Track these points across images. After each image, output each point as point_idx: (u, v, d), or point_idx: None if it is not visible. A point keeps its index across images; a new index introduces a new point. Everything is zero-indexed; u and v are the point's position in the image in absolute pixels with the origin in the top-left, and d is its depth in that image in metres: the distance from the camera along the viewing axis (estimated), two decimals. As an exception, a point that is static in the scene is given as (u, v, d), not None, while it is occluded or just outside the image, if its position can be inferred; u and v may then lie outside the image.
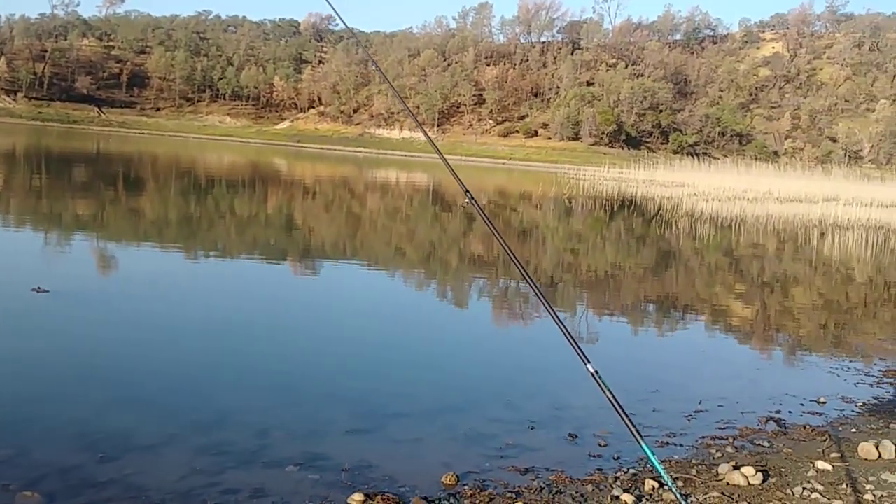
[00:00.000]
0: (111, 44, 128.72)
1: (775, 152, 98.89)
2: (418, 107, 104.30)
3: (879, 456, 5.00)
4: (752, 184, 40.48)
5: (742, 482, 4.46)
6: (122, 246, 13.15)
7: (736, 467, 4.64)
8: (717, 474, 4.62)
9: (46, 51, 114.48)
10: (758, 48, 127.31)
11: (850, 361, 8.16)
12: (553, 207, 30.25)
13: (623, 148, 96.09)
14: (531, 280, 2.98)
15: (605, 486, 4.39)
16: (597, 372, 2.60)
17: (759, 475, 4.54)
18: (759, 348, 9.05)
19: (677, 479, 4.53)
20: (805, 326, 10.59)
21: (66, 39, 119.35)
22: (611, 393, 2.57)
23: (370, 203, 27.82)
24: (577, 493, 4.30)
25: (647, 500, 4.27)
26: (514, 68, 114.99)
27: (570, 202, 32.36)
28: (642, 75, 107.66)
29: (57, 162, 36.53)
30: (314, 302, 9.67)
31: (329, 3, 4.73)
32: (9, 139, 54.54)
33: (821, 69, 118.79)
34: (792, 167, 57.32)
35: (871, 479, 4.63)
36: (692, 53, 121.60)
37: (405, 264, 14.05)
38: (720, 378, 7.29)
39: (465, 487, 4.28)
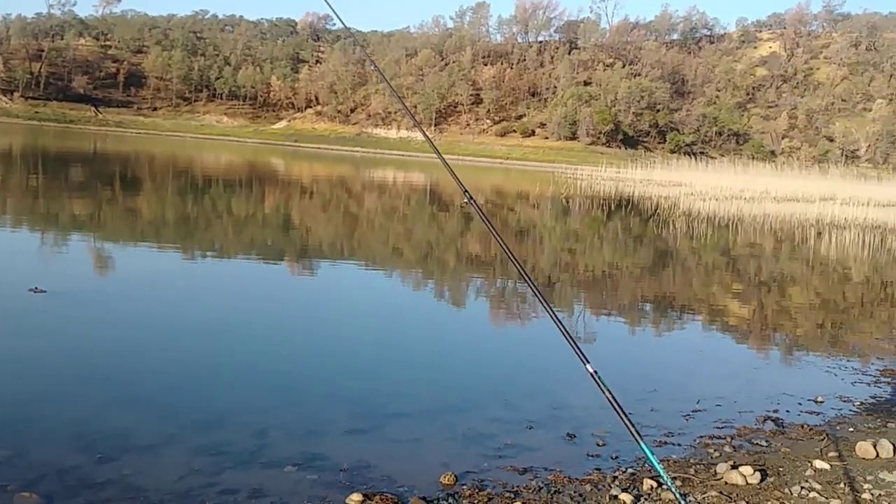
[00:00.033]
0: (108, 43, 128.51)
1: (772, 152, 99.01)
2: (415, 106, 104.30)
3: (877, 455, 5.01)
4: (749, 183, 40.54)
5: (740, 481, 4.47)
6: (119, 246, 13.13)
7: (734, 466, 4.65)
8: (716, 473, 4.63)
9: (43, 50, 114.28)
10: (755, 48, 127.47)
11: (848, 361, 8.17)
12: (550, 207, 30.26)
13: (620, 147, 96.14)
14: (530, 280, 2.98)
15: (604, 486, 4.39)
16: (596, 372, 2.60)
17: (758, 474, 4.55)
18: (756, 348, 9.06)
19: (675, 478, 4.53)
20: (802, 326, 10.61)
21: (62, 39, 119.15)
22: (610, 393, 2.57)
23: (368, 203, 27.81)
24: (575, 492, 4.31)
25: (646, 499, 4.28)
26: (512, 68, 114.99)
27: (568, 202, 32.37)
28: (639, 75, 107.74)
29: (54, 162, 36.47)
30: (312, 302, 9.67)
31: (327, 3, 4.73)
32: (5, 139, 54.42)
33: (818, 69, 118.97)
34: (789, 167, 57.42)
35: (868, 478, 4.64)
36: (689, 53, 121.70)
37: (403, 264, 14.05)
38: (718, 377, 7.30)
39: (464, 487, 4.28)
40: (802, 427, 5.72)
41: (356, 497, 4.02)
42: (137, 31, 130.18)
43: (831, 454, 5.07)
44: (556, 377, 6.82)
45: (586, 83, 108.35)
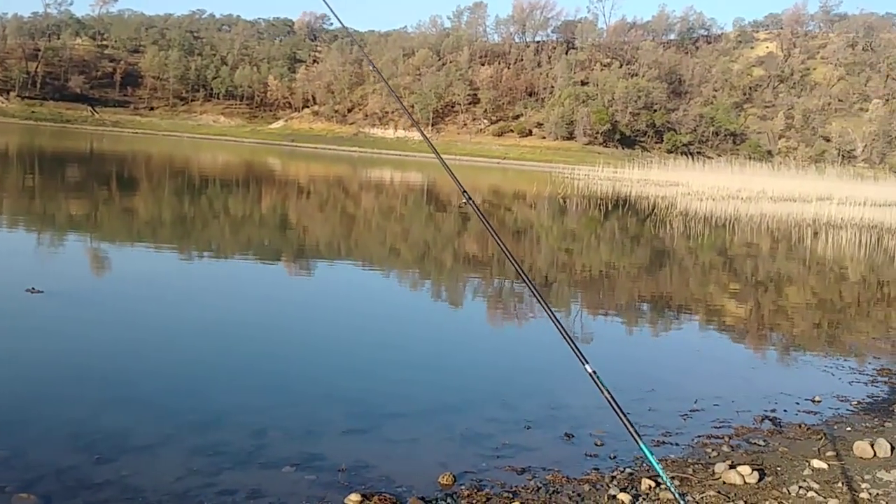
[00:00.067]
0: (104, 43, 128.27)
1: (769, 152, 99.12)
2: (412, 106, 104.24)
3: (875, 454, 5.02)
4: (746, 183, 40.60)
5: (738, 481, 4.48)
6: (116, 246, 13.11)
7: (732, 466, 4.65)
8: (714, 473, 4.63)
9: (39, 50, 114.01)
10: (752, 48, 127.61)
11: (845, 360, 8.19)
12: (547, 207, 30.27)
13: (617, 147, 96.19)
14: (529, 281, 2.98)
15: (602, 486, 4.40)
16: (595, 372, 2.60)
17: (756, 474, 4.55)
18: (753, 347, 9.07)
19: (674, 478, 4.54)
20: (799, 325, 10.63)
21: (59, 38, 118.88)
22: (609, 394, 2.57)
23: (365, 203, 27.80)
24: (573, 492, 4.31)
25: (644, 499, 4.28)
26: (509, 68, 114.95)
27: (565, 202, 32.38)
28: (637, 75, 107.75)
29: (50, 161, 36.40)
30: (309, 302, 9.66)
31: (325, 2, 4.73)
32: (2, 139, 54.28)
33: (814, 69, 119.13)
34: (786, 166, 57.51)
35: (866, 477, 4.65)
36: (686, 53, 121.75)
37: (400, 264, 14.04)
38: (715, 377, 7.31)
39: (462, 487, 4.28)
40: (800, 426, 5.73)
41: (354, 497, 4.02)
42: (134, 30, 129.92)
43: (829, 454, 5.08)
44: (553, 377, 6.82)
45: (583, 83, 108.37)
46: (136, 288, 9.35)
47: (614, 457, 4.89)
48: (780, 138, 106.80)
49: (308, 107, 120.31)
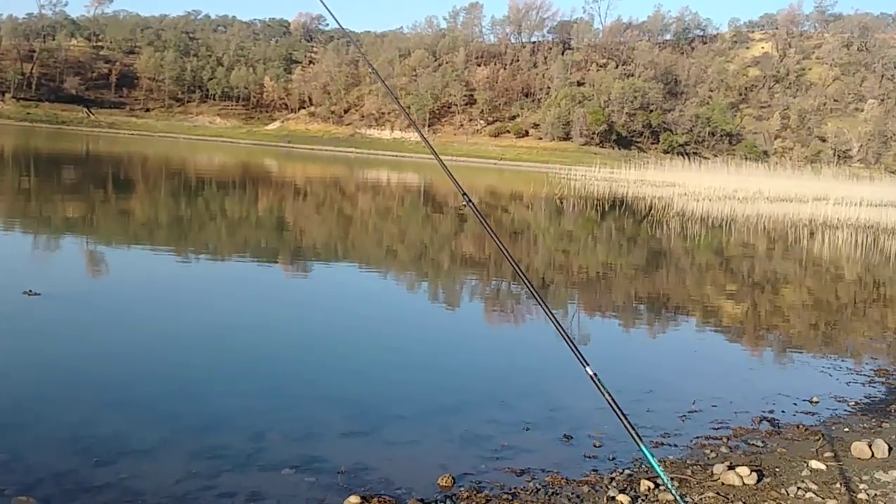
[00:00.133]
0: (100, 44, 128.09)
1: (765, 152, 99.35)
2: (409, 107, 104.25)
3: (872, 455, 5.04)
4: (742, 183, 40.68)
5: (737, 482, 4.49)
6: (113, 248, 13.09)
7: (731, 467, 4.66)
8: (713, 474, 4.64)
9: (34, 51, 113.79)
10: (747, 48, 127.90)
11: (842, 361, 8.21)
12: (544, 208, 30.30)
13: (614, 148, 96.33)
14: (529, 283, 2.99)
15: (601, 487, 4.41)
16: (596, 374, 2.61)
17: (754, 475, 4.57)
18: (750, 348, 9.09)
19: (672, 479, 4.55)
20: (796, 326, 10.65)
21: (54, 39, 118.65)
22: (610, 395, 2.58)
23: (362, 204, 27.79)
24: (573, 494, 4.31)
25: (643, 500, 4.29)
26: (505, 68, 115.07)
27: (562, 202, 32.41)
28: (633, 75, 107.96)
29: (46, 163, 36.32)
30: (307, 303, 9.65)
31: (322, 3, 4.73)
32: (-3, 140, 54.16)
33: (810, 69, 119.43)
34: (782, 167, 57.67)
35: (864, 478, 4.66)
36: (682, 53, 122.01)
37: (398, 265, 14.05)
38: (713, 378, 7.32)
39: (462, 489, 4.29)
40: (798, 427, 5.75)
41: (354, 499, 4.02)
42: (129, 31, 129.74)
43: (827, 454, 5.10)
44: (551, 378, 6.83)
45: (580, 83, 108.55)
46: (133, 290, 9.34)
47: (613, 458, 4.90)
48: (775, 138, 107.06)
49: (304, 108, 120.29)
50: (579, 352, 2.68)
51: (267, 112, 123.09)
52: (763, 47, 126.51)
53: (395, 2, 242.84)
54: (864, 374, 7.61)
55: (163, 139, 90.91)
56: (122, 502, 3.87)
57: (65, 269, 10.53)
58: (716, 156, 79.86)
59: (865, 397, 6.78)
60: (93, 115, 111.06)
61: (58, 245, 12.84)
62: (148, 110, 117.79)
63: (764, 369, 8.00)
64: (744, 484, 4.48)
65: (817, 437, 5.49)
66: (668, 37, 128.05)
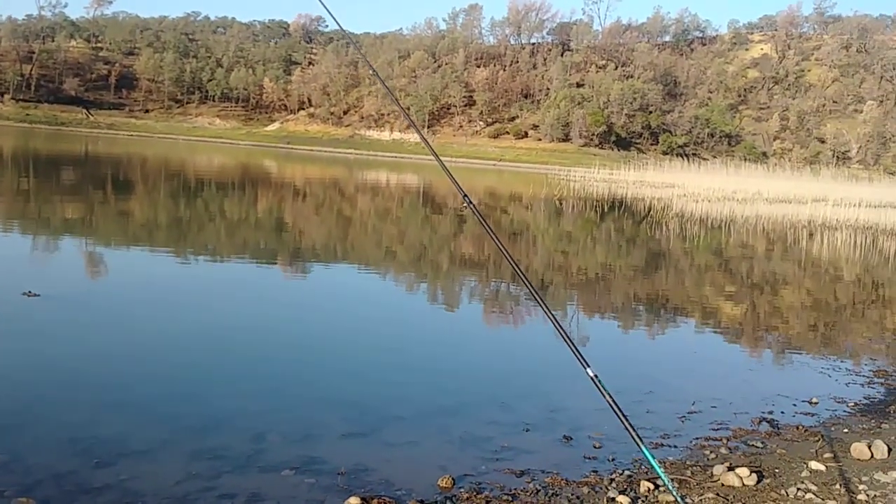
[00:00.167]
0: (99, 45, 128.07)
1: (764, 153, 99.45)
2: (408, 108, 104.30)
3: (872, 456, 5.05)
4: (741, 185, 40.70)
5: (737, 483, 4.49)
6: (112, 249, 13.09)
7: (730, 468, 4.67)
8: (712, 475, 4.64)
9: (34, 52, 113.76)
10: (746, 49, 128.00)
11: (841, 362, 8.22)
12: (543, 209, 30.31)
13: (613, 149, 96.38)
14: (530, 284, 2.99)
15: (601, 488, 4.41)
16: (596, 376, 2.61)
17: (754, 476, 4.57)
18: (750, 349, 9.10)
19: (672, 480, 4.55)
20: (795, 327, 10.65)
21: (53, 41, 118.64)
22: (611, 397, 2.58)
23: (361, 205, 27.79)
24: (573, 495, 4.32)
25: (643, 501, 4.29)
26: (504, 70, 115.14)
27: (561, 203, 32.42)
28: (632, 76, 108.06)
29: (45, 164, 36.31)
30: (306, 305, 9.65)
31: (322, 4, 4.74)
32: (-4, 141, 54.14)
33: (809, 70, 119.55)
34: (781, 168, 57.69)
35: (864, 479, 4.67)
36: (681, 55, 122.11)
37: (397, 266, 14.04)
38: (712, 379, 7.32)
39: (462, 490, 4.29)
40: (797, 428, 5.75)
41: (354, 501, 4.02)
42: (129, 32, 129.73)
43: (826, 455, 5.10)
44: (551, 379, 6.83)
45: (579, 85, 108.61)
46: (132, 291, 9.34)
47: (613, 459, 4.90)
48: (774, 140, 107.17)
49: (304, 109, 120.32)
50: (580, 353, 2.68)
51: (266, 113, 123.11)
52: (762, 49, 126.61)
53: (395, 3, 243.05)
54: (864, 375, 7.61)
55: (162, 140, 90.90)
56: (123, 503, 3.87)
57: (64, 271, 10.53)
58: (715, 157, 79.92)
59: (865, 398, 6.79)
60: (92, 116, 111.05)
61: (57, 246, 12.83)
62: (147, 111, 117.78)
63: (763, 370, 8.00)
64: (743, 485, 4.49)
65: (817, 438, 5.49)
66: (667, 38, 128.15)
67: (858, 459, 5.03)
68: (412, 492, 4.24)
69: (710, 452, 5.13)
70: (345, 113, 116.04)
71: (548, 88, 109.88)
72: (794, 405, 6.43)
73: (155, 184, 29.84)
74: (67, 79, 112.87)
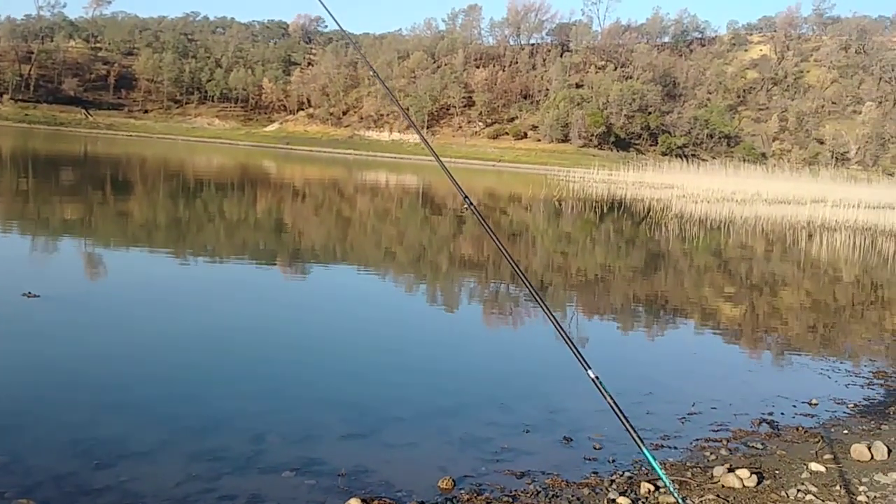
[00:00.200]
0: (98, 45, 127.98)
1: (763, 154, 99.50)
2: (408, 109, 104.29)
3: (872, 457, 5.05)
4: (740, 185, 40.73)
5: (737, 484, 4.49)
6: (112, 250, 13.08)
7: (731, 469, 4.67)
8: (712, 477, 4.65)
9: (32, 52, 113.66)
10: (745, 50, 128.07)
11: (841, 363, 8.22)
12: (543, 210, 30.31)
13: (612, 150, 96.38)
14: (531, 286, 2.99)
15: (602, 490, 4.41)
16: (598, 377, 2.61)
17: (754, 477, 4.57)
18: (749, 350, 9.10)
19: (673, 481, 4.55)
20: (795, 328, 10.66)
21: (52, 41, 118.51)
22: (612, 399, 2.58)
23: (361, 205, 27.79)
24: (573, 496, 4.32)
25: (644, 503, 4.29)
26: (504, 70, 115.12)
27: (560, 204, 32.43)
28: (631, 77, 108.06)
29: (44, 165, 36.29)
30: (306, 306, 9.65)
31: (323, 5, 4.74)
32: (-5, 141, 54.11)
33: (808, 71, 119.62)
34: (780, 169, 57.75)
35: (864, 480, 4.67)
36: (680, 56, 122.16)
37: (397, 267, 14.04)
38: (712, 380, 7.33)
39: (462, 492, 4.29)
40: (797, 429, 5.75)
41: (354, 502, 4.02)
42: (128, 33, 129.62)
43: (826, 456, 5.10)
44: (551, 380, 6.84)
45: (578, 85, 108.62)
46: (132, 292, 9.34)
47: (613, 460, 4.90)
48: (773, 141, 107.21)
49: (303, 109, 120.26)
50: (581, 355, 2.68)
51: (265, 114, 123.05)
52: (761, 50, 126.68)
53: (394, 4, 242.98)
54: (863, 377, 7.62)
55: (161, 140, 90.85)
56: (123, 505, 3.87)
57: (64, 271, 10.53)
58: (714, 158, 79.98)
59: (864, 399, 6.79)
60: (91, 116, 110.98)
61: (57, 247, 12.83)
62: (146, 112, 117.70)
63: (763, 371, 8.00)
64: (744, 486, 4.49)
65: (817, 440, 5.50)
66: (666, 39, 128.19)
67: (858, 461, 5.03)
68: (413, 493, 4.24)
69: (710, 454, 5.13)
70: (344, 113, 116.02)
71: (547, 89, 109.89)
72: (794, 406, 6.43)
73: (154, 184, 29.83)
74: (66, 79, 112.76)
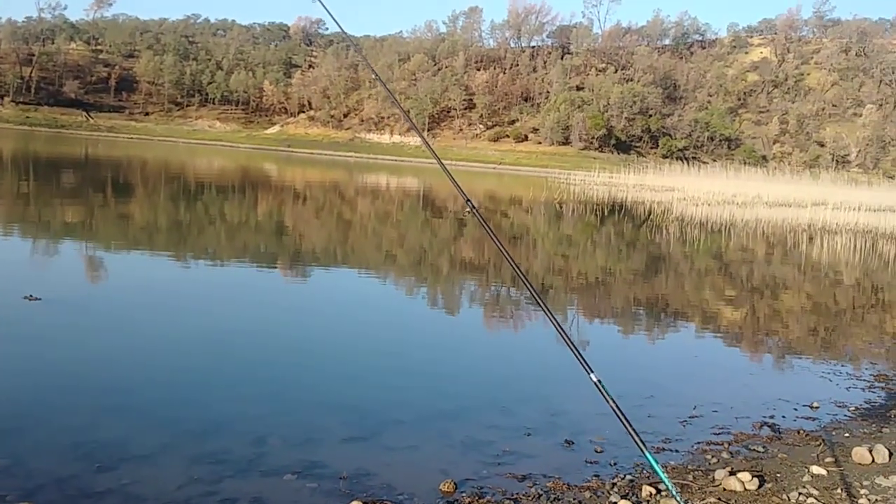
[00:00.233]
0: (99, 48, 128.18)
1: (764, 157, 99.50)
2: (409, 111, 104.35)
3: (873, 460, 5.05)
4: (741, 188, 40.72)
5: (738, 488, 4.49)
6: (113, 253, 13.09)
7: (732, 473, 4.67)
8: (714, 480, 4.65)
9: (33, 55, 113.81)
10: (746, 53, 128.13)
11: (842, 366, 8.22)
12: (544, 212, 30.32)
13: (613, 152, 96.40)
14: (533, 289, 2.99)
15: (603, 493, 4.41)
16: (600, 381, 2.61)
17: (756, 480, 4.57)
18: (751, 353, 9.10)
19: (674, 484, 4.55)
20: (796, 331, 10.66)
21: (53, 43, 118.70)
22: (614, 402, 2.58)
23: (361, 208, 27.80)
24: (574, 499, 4.32)
25: (645, 506, 4.29)
26: (504, 73, 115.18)
27: (561, 207, 32.44)
28: (632, 80, 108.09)
29: (45, 167, 36.32)
30: (307, 308, 9.66)
31: (324, 6, 4.75)
32: (-4, 144, 54.14)
33: (808, 74, 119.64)
34: (780, 172, 57.73)
35: (865, 483, 4.67)
36: (681, 58, 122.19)
37: (398, 270, 14.05)
38: (714, 383, 7.33)
39: (464, 495, 4.29)
40: (799, 433, 5.75)
41: (356, 505, 4.02)
42: (129, 35, 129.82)
43: (828, 460, 5.10)
44: (551, 383, 6.84)
45: (579, 88, 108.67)
46: (133, 295, 9.34)
47: (614, 463, 4.90)
48: (774, 143, 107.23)
49: (304, 112, 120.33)
50: (583, 358, 2.69)
51: (266, 116, 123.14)
52: (762, 52, 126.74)
53: (395, 6, 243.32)
54: (864, 380, 7.62)
55: (162, 143, 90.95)
56: (124, 508, 3.88)
57: (65, 274, 10.53)
58: (715, 160, 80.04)
59: (865, 402, 6.79)
60: (92, 118, 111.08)
61: (58, 250, 12.84)
62: (147, 114, 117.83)
63: (764, 374, 8.00)
64: (745, 489, 4.49)
65: (818, 443, 5.50)
66: (667, 42, 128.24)
67: (860, 464, 5.03)
68: (414, 496, 4.24)
69: (712, 457, 5.13)
70: (345, 116, 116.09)
71: (547, 91, 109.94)
72: (795, 409, 6.43)
73: (155, 187, 29.84)
74: (67, 81, 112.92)
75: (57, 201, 20.42)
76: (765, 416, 6.16)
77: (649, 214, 30.10)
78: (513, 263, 2.99)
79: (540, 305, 2.91)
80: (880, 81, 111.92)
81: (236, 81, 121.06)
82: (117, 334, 7.37)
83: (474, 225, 20.28)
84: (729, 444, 5.42)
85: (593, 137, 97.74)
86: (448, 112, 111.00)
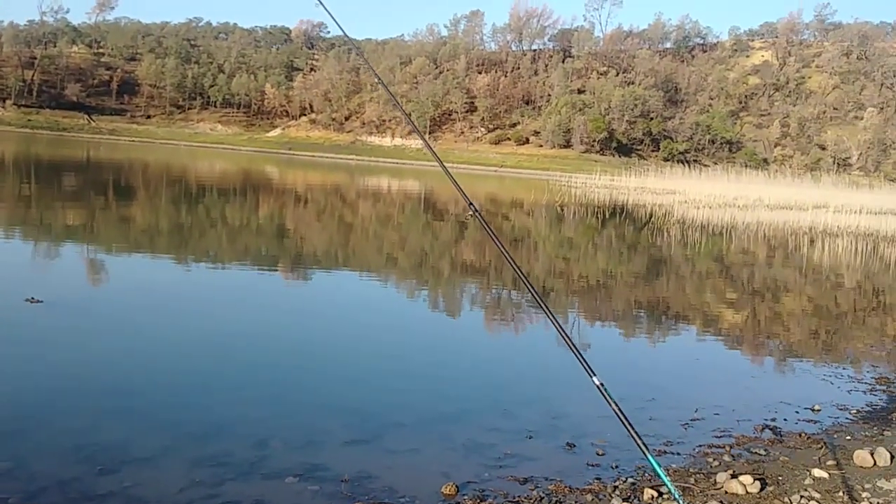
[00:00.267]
0: (101, 51, 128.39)
1: (765, 160, 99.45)
2: (410, 114, 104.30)
3: (875, 463, 5.04)
4: (742, 191, 40.73)
5: (740, 490, 4.49)
6: (115, 255, 13.10)
7: (734, 476, 4.67)
8: (716, 483, 4.64)
9: (35, 58, 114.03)
10: (747, 56, 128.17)
11: (843, 368, 8.22)
12: (545, 215, 30.32)
13: (614, 155, 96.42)
14: (535, 292, 3.00)
15: (605, 496, 4.41)
16: (602, 384, 2.61)
17: (757, 483, 4.57)
18: (752, 356, 9.09)
19: (676, 487, 4.54)
20: (797, 334, 10.65)
21: (55, 46, 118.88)
22: (617, 406, 2.58)
23: (363, 211, 27.81)
24: (576, 502, 4.32)
25: (647, 509, 4.29)
26: (506, 76, 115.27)
27: (562, 209, 32.45)
28: (633, 83, 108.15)
29: (47, 170, 36.36)
30: (308, 311, 9.66)
31: (326, 10, 4.76)
32: (-2, 147, 54.22)
33: (809, 77, 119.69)
34: (781, 175, 57.67)
35: (867, 486, 4.66)
36: (682, 61, 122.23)
37: (399, 273, 14.05)
38: (715, 386, 7.32)
39: (465, 498, 4.29)
40: (800, 436, 5.75)
41: (358, 508, 4.02)
42: (131, 38, 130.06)
43: (829, 463, 5.10)
44: (553, 385, 6.84)
45: (580, 91, 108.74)
46: (135, 298, 9.35)
47: (616, 466, 4.90)
48: (775, 146, 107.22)
49: (305, 115, 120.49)
50: (586, 361, 2.69)
51: (268, 119, 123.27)
52: (763, 56, 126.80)
53: (397, 9, 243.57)
54: (866, 382, 7.61)
55: (164, 146, 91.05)
56: (126, 510, 3.88)
57: (67, 277, 10.55)
58: (716, 163, 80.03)
59: (867, 405, 6.79)
60: (94, 121, 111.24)
61: (60, 252, 12.85)
62: (149, 117, 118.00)
63: (765, 377, 8.00)
64: (747, 492, 4.49)
65: (819, 446, 5.49)
66: (668, 45, 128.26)
67: (861, 467, 5.02)
68: (416, 499, 4.24)
69: (714, 460, 5.12)
70: (346, 119, 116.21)
71: (549, 95, 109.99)
72: (797, 412, 6.42)
73: (157, 190, 29.87)
74: (69, 84, 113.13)
75: (59, 204, 20.45)
76: (766, 419, 6.15)
77: (650, 217, 30.10)
78: (514, 266, 3.00)
79: (542, 308, 2.91)
80: (881, 85, 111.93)
81: (238, 84, 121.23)
82: (119, 337, 7.38)
83: (476, 227, 20.29)
84: (730, 447, 5.41)
85: (594, 140, 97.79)
86: (449, 115, 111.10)
